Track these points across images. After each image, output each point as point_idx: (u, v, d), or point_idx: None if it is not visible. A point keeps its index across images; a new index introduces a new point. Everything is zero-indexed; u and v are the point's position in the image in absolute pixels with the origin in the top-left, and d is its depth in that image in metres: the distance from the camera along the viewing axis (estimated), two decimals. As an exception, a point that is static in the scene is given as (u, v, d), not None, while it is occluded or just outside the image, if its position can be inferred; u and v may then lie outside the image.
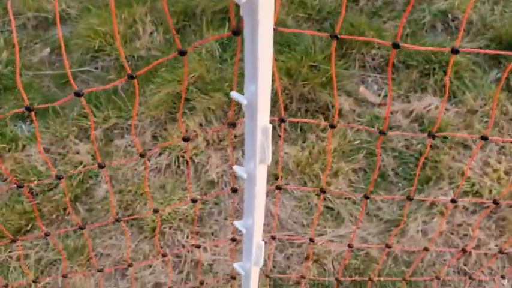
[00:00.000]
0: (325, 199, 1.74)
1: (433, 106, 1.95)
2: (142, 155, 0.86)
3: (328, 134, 1.82)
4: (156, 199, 1.75)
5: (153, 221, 1.69)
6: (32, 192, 1.83)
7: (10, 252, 1.69)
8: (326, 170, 1.66)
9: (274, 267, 1.59)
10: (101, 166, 0.88)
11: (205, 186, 1.79)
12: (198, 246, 0.88)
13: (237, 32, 0.65)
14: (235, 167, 0.80)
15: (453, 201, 1.03)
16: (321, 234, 1.65)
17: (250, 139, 0.75)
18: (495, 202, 1.04)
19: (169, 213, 1.70)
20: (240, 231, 0.88)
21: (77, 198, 1.81)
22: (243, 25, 0.60)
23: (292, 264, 1.60)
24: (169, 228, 1.67)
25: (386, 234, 1.65)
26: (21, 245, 1.70)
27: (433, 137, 0.87)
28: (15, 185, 0.98)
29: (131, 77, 0.71)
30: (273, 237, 1.07)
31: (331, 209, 1.72)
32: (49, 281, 1.63)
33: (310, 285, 1.55)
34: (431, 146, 1.84)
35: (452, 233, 1.64)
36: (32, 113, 0.78)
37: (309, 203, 1.73)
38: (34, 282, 1.27)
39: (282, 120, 0.91)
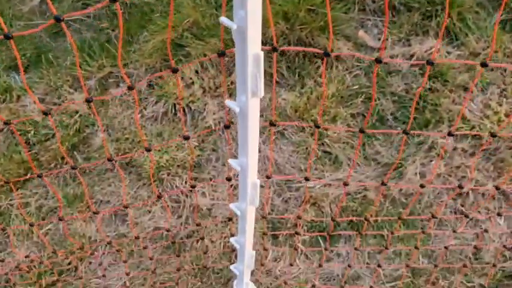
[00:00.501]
0: (323, 144, 1.73)
1: (435, 49, 1.90)
2: (130, 88, 0.84)
3: (323, 66, 1.78)
4: (153, 146, 1.74)
5: (150, 168, 1.69)
6: (29, 142, 1.82)
7: (11, 200, 1.71)
8: (322, 98, 1.64)
9: (272, 210, 1.60)
10: (88, 100, 0.85)
11: (202, 134, 1.78)
12: (193, 186, 0.87)
13: None
14: (228, 101, 0.77)
15: (450, 134, 1.01)
16: (319, 178, 1.65)
17: (241, 69, 0.72)
18: (493, 135, 1.03)
19: (167, 160, 1.70)
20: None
21: (75, 147, 1.81)
22: None
23: (290, 208, 1.61)
24: (168, 175, 1.68)
25: (384, 177, 1.65)
26: (21, 193, 1.71)
27: (432, 64, 0.84)
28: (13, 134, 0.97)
29: None
30: (268, 177, 1.06)
31: (329, 153, 1.71)
32: (50, 227, 1.65)
33: (307, 227, 1.57)
34: (430, 89, 1.80)
35: (450, 175, 1.64)
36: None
37: (306, 148, 1.72)
38: (31, 225, 1.28)
39: (275, 49, 0.88)
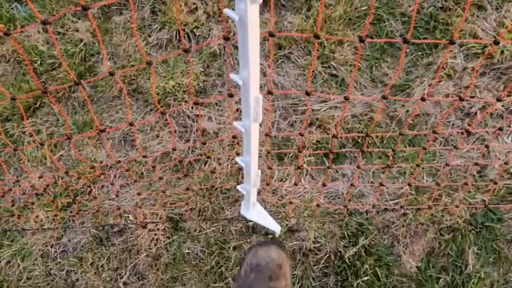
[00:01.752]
0: (329, 67, 1.70)
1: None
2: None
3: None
4: (159, 73, 1.73)
5: (157, 93, 1.70)
6: (36, 72, 1.83)
7: (22, 128, 1.74)
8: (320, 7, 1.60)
9: (278, 132, 1.61)
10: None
11: (207, 59, 1.76)
12: (197, 103, 0.88)
13: None
14: (226, 10, 0.75)
15: (451, 42, 0.97)
16: (324, 101, 1.64)
17: None
18: (495, 42, 0.99)
19: (173, 86, 1.70)
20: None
21: (81, 76, 1.81)
22: None
23: (296, 130, 1.62)
24: (174, 100, 1.68)
25: (391, 99, 1.64)
26: (32, 122, 1.75)
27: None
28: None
29: None
30: (270, 92, 1.06)
31: (335, 76, 1.69)
32: (62, 153, 1.70)
33: (312, 149, 1.58)
34: (442, 7, 1.74)
35: (459, 95, 1.61)
36: None
37: (313, 72, 1.70)
38: (41, 144, 1.32)
39: (271, 35, 0.85)
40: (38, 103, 1.78)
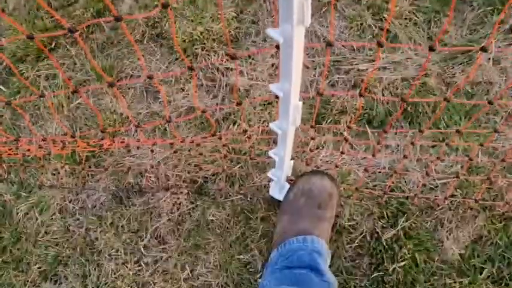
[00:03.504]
0: (381, 19, 1.48)
1: None
2: None
3: None
4: (185, 16, 1.54)
5: (184, 41, 1.52)
6: (51, 6, 1.65)
7: (38, 71, 1.61)
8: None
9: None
10: None
11: (241, 2, 1.55)
12: (233, 57, 0.74)
13: None
14: (269, 30, 0.66)
15: None
16: (372, 61, 1.45)
17: None
18: None
19: (201, 33, 1.51)
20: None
21: (100, 15, 1.63)
22: None
23: (338, 92, 1.44)
24: (202, 50, 1.51)
25: (449, 62, 1.43)
26: (48, 64, 1.61)
27: None
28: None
29: None
30: (329, 44, 0.88)
31: (388, 31, 1.47)
32: (80, 101, 1.57)
33: (355, 115, 1.41)
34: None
35: (530, 63, 1.39)
36: None
37: (361, 24, 1.49)
38: (73, 92, 1.19)
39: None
40: (54, 43, 1.62)
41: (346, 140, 1.21)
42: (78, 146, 1.44)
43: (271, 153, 1.11)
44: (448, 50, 1.42)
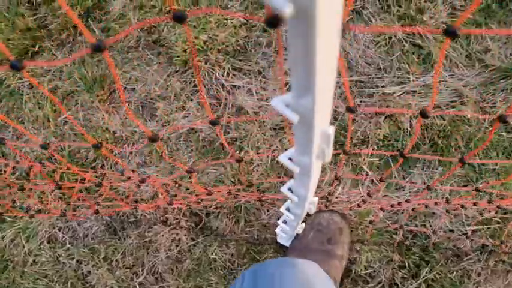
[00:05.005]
0: (413, 33, 1.28)
1: None
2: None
3: None
4: (188, 21, 1.33)
5: (184, 51, 1.32)
6: (33, 3, 1.44)
7: (21, 79, 1.43)
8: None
9: (335, 119, 1.27)
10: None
11: (251, 5, 1.34)
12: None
13: None
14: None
15: None
16: (402, 83, 1.26)
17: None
18: None
19: (204, 42, 1.32)
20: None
21: (89, 14, 1.42)
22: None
23: (359, 119, 1.27)
24: (205, 63, 1.32)
25: (490, 87, 1.24)
26: (31, 71, 1.42)
27: None
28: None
29: None
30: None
31: (420, 47, 1.27)
32: (69, 114, 1.40)
33: (377, 146, 1.25)
34: None
35: None
36: None
37: (390, 38, 1.28)
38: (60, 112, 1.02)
39: None
40: (37, 47, 1.43)
41: (366, 173, 1.06)
42: (67, 169, 1.29)
43: (283, 189, 0.91)
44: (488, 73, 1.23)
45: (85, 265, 1.31)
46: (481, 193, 1.20)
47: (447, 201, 1.17)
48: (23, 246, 1.35)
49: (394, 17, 1.28)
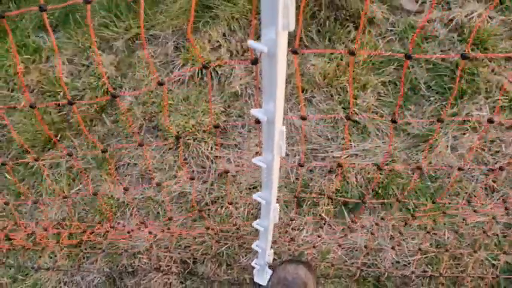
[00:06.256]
0: (351, 113, 1.68)
1: (476, 14, 1.78)
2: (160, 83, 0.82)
3: (350, 62, 1.71)
4: (180, 111, 1.74)
5: (177, 132, 1.70)
6: (59, 104, 1.85)
7: (43, 160, 1.76)
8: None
9: (296, 179, 1.59)
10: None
11: (228, 99, 1.76)
12: (216, 126, 0.85)
13: None
14: (252, 42, 0.67)
15: (490, 121, 0.95)
16: (345, 149, 1.62)
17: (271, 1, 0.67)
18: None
19: (193, 125, 1.70)
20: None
21: (103, 110, 1.83)
22: None
23: (315, 177, 1.59)
24: (194, 140, 1.68)
25: (413, 149, 1.61)
26: (52, 154, 1.76)
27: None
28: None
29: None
30: (303, 118, 1.02)
31: (357, 122, 1.67)
32: (80, 187, 1.70)
33: (332, 199, 1.56)
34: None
35: (483, 149, 1.58)
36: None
37: (334, 118, 1.69)
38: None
39: (295, 52, 0.82)
40: (59, 135, 1.79)
41: (324, 221, 1.34)
42: (78, 229, 1.54)
43: (256, 196, 1.11)
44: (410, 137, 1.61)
45: (86, 313, 1.48)
46: (417, 230, 1.48)
47: (391, 238, 1.45)
48: (31, 302, 1.52)
49: (336, 102, 1.70)
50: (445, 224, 1.48)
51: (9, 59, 1.93)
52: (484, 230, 1.43)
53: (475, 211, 1.27)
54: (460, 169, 1.05)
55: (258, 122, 0.99)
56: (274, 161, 0.90)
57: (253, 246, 1.32)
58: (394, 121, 0.95)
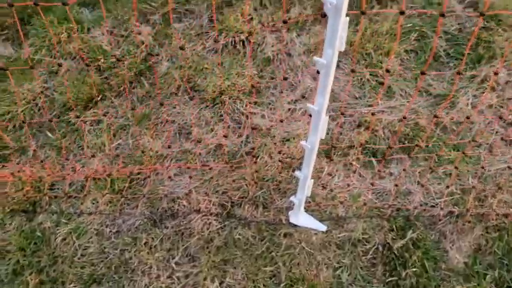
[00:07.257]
0: (376, 75, 1.81)
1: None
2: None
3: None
4: (215, 73, 1.85)
5: (213, 91, 1.81)
6: (100, 69, 1.96)
7: (85, 117, 1.86)
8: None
9: (327, 134, 1.69)
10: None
11: (261, 63, 1.88)
12: (253, 86, 0.99)
13: None
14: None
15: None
16: (370, 105, 1.73)
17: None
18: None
19: (228, 86, 1.81)
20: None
21: (141, 74, 1.94)
22: None
23: (345, 131, 1.70)
24: (229, 98, 1.79)
25: (436, 107, 1.72)
26: (94, 112, 1.86)
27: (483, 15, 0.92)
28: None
29: None
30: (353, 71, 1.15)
31: (383, 83, 1.79)
32: (120, 142, 1.79)
33: (361, 149, 1.66)
34: (484, 27, 1.85)
35: (502, 106, 1.69)
36: None
37: (361, 79, 1.81)
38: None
39: (363, 13, 0.97)
40: (100, 96, 1.90)
41: (355, 168, 1.44)
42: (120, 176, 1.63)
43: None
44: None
45: (128, 252, 1.55)
46: (442, 176, 1.58)
47: (418, 183, 1.54)
48: (73, 243, 1.59)
49: (361, 65, 1.82)
50: (468, 171, 1.58)
51: (54, 29, 2.06)
52: (504, 175, 1.53)
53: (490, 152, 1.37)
54: (467, 117, 1.16)
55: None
56: (316, 144, 1.15)
57: (296, 173, 1.39)
58: (423, 73, 1.09)
